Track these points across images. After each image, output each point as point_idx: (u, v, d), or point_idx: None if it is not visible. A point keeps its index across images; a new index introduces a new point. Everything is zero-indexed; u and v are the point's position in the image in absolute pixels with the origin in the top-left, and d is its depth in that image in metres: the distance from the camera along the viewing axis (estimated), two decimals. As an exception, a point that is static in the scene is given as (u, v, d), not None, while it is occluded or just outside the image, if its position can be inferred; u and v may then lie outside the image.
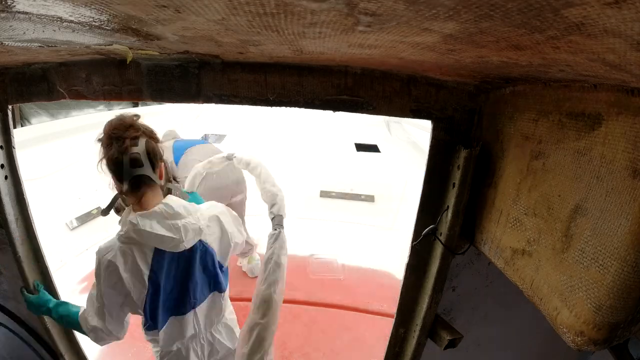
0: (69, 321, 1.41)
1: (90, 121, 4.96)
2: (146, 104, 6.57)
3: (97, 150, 1.29)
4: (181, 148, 3.26)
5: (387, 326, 1.48)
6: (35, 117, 4.67)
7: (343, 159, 5.87)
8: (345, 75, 1.05)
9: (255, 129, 7.12)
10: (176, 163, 3.16)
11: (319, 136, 6.89)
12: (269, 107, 1.12)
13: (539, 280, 0.74)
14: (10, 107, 1.22)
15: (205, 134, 6.87)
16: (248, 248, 3.46)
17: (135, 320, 3.10)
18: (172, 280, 1.37)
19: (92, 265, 3.82)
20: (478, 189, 1.05)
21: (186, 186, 3.16)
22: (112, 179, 1.30)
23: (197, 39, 0.74)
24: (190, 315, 1.47)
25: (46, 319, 1.47)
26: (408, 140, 6.99)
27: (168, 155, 3.11)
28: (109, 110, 5.81)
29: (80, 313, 1.38)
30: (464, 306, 1.37)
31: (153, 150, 1.29)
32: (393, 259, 3.00)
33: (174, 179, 2.96)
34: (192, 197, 3.09)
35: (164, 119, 6.77)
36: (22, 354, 1.57)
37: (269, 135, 6.79)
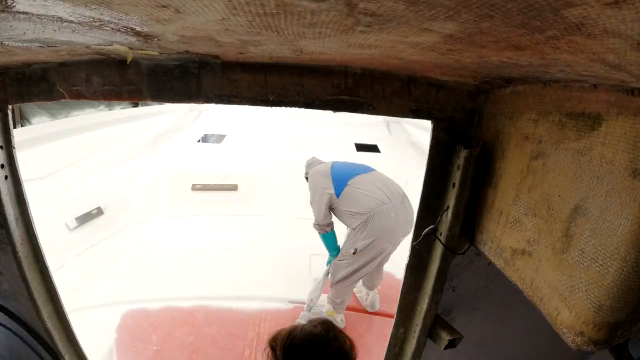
0: None
1: (90, 121, 4.96)
2: (146, 104, 6.58)
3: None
4: (342, 178, 2.90)
5: (387, 326, 1.48)
6: (36, 117, 4.68)
7: (343, 159, 5.86)
8: (345, 75, 1.05)
9: (256, 129, 7.11)
10: (337, 195, 2.84)
11: (319, 136, 6.89)
12: (269, 107, 1.12)
13: (539, 280, 0.74)
14: (10, 107, 1.22)
15: (205, 134, 6.87)
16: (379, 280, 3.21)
17: (135, 321, 3.09)
18: None
19: (91, 266, 3.79)
20: (478, 189, 1.05)
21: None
22: None
23: (197, 39, 0.74)
24: None
25: (46, 319, 1.47)
26: (408, 140, 6.99)
27: (326, 185, 2.87)
28: (110, 110, 5.82)
29: None
30: (464, 306, 1.37)
31: None
32: (393, 259, 3.00)
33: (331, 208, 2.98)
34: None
35: (164, 119, 6.78)
36: (22, 354, 1.57)
37: (269, 135, 6.79)
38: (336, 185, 2.87)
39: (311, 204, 3.03)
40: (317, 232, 3.06)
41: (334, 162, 3.16)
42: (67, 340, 1.61)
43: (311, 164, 3.27)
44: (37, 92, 1.15)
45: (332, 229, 3.02)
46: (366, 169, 3.05)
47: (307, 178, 3.21)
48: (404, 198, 2.90)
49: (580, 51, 0.47)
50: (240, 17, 0.52)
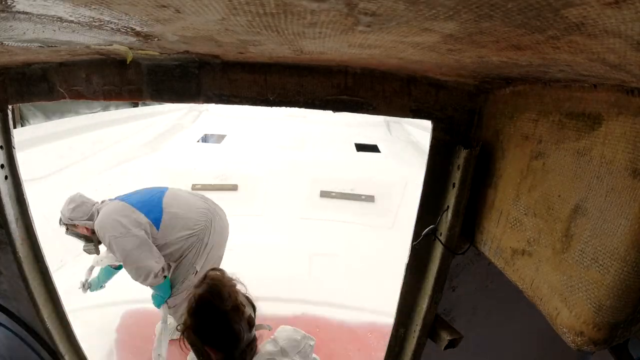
0: None
1: (90, 121, 4.96)
2: (146, 104, 6.58)
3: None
4: (149, 204, 2.32)
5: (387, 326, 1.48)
6: (34, 117, 4.68)
7: (343, 159, 5.87)
8: (345, 75, 1.05)
9: (256, 129, 7.12)
10: (157, 226, 2.27)
11: (319, 136, 6.89)
12: (269, 107, 1.12)
13: (539, 280, 0.74)
14: (10, 107, 1.22)
15: (205, 134, 6.87)
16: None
17: (135, 321, 3.09)
18: None
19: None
20: (478, 189, 1.05)
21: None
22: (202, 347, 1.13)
23: (197, 39, 0.74)
24: None
25: (46, 319, 1.47)
26: (408, 140, 6.99)
27: (139, 220, 2.24)
28: (108, 111, 5.81)
29: None
30: (464, 306, 1.37)
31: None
32: (393, 259, 3.00)
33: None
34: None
35: (164, 119, 6.78)
36: (22, 354, 1.57)
37: (269, 135, 6.79)
38: (150, 214, 2.27)
39: (126, 263, 2.24)
40: (149, 286, 2.35)
41: (117, 197, 2.44)
42: (67, 340, 1.61)
43: (78, 207, 2.30)
44: (37, 92, 1.15)
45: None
46: (162, 189, 2.54)
47: (69, 228, 2.37)
48: (213, 203, 2.58)
49: (580, 51, 0.47)
50: (240, 17, 0.52)
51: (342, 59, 0.90)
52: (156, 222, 2.27)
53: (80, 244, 2.60)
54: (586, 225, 0.63)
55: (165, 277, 2.32)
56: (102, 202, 2.40)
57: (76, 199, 2.36)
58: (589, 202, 0.63)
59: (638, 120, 0.54)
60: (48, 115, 4.84)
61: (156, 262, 2.22)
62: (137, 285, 3.32)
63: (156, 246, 2.27)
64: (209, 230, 2.41)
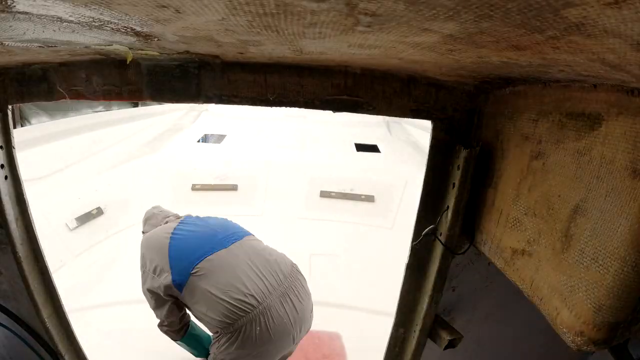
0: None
1: (90, 121, 4.96)
2: (146, 104, 6.58)
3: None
4: (184, 257, 1.74)
5: (387, 326, 1.48)
6: (35, 117, 4.68)
7: (343, 159, 5.87)
8: (345, 75, 1.05)
9: (256, 129, 7.12)
10: (179, 287, 1.72)
11: (319, 136, 6.89)
12: (269, 107, 1.12)
13: (539, 280, 0.74)
14: (10, 107, 1.22)
15: (205, 134, 6.86)
16: None
17: (135, 321, 3.08)
18: None
19: (91, 266, 3.79)
20: (478, 189, 1.05)
21: None
22: None
23: (197, 39, 0.74)
24: None
25: (46, 319, 1.47)
26: (408, 140, 6.99)
27: (161, 266, 1.76)
28: (108, 110, 5.82)
29: None
30: (464, 306, 1.37)
31: None
32: (393, 259, 2.99)
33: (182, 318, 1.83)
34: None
35: (164, 119, 6.78)
36: (22, 354, 1.57)
37: (269, 135, 6.79)
38: (176, 270, 1.71)
39: (144, 293, 1.88)
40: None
41: (181, 222, 1.95)
42: (67, 340, 1.61)
43: (149, 218, 2.04)
44: (37, 92, 1.15)
45: (189, 329, 1.95)
46: (228, 237, 1.87)
47: None
48: (291, 281, 1.82)
49: (580, 51, 0.47)
50: (240, 17, 0.52)
51: (342, 59, 0.90)
52: (178, 284, 1.72)
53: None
54: (586, 225, 0.63)
55: (180, 337, 1.94)
56: (177, 217, 2.07)
57: (149, 211, 2.14)
58: (589, 202, 0.63)
59: (638, 120, 0.55)
60: (51, 114, 4.85)
61: (165, 313, 1.86)
62: (138, 285, 3.32)
63: (188, 306, 1.83)
64: (240, 334, 1.64)
